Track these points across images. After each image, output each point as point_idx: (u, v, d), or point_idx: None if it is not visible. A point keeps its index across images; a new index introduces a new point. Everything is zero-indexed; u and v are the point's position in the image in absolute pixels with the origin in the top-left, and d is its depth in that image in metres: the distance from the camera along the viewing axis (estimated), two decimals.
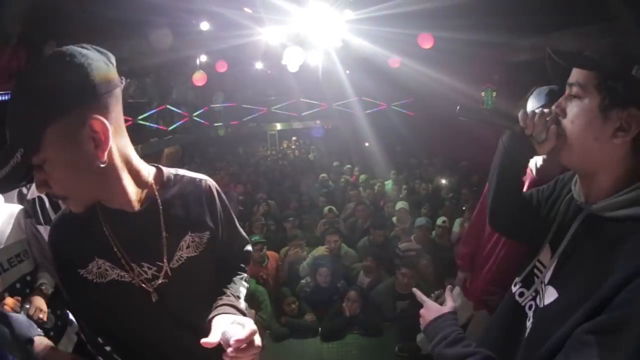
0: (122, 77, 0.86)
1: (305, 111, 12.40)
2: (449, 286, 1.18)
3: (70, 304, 1.14)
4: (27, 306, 1.58)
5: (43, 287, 1.70)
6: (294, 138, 13.69)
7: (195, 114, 10.44)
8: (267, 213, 5.34)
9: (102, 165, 0.80)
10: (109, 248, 0.92)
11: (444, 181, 6.27)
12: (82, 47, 0.81)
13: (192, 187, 1.05)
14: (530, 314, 0.93)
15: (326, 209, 4.96)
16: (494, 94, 7.71)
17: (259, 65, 10.61)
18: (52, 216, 2.02)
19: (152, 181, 0.97)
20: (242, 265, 1.22)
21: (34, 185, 1.32)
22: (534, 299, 0.94)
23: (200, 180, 1.08)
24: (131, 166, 0.90)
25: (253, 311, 3.19)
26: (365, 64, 8.08)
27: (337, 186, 6.85)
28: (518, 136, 0.93)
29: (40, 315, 1.58)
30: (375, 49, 6.68)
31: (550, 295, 0.86)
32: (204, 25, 6.71)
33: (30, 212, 1.95)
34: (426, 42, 6.05)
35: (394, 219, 4.74)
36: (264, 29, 6.66)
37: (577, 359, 0.66)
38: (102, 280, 0.92)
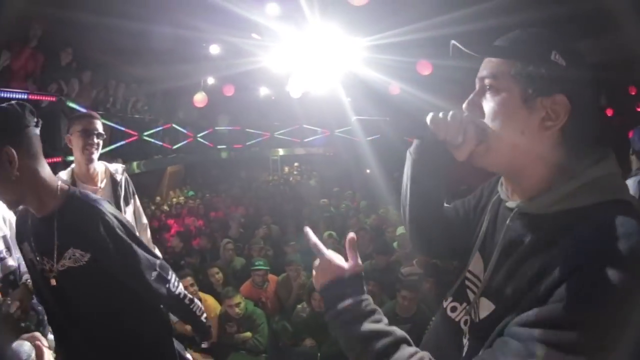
0: (37, 120, 1.22)
1: (307, 137, 12.56)
2: (349, 237, 0.86)
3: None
4: (9, 302, 1.55)
5: (28, 282, 1.68)
6: (296, 164, 13.81)
7: (199, 135, 10.57)
8: (268, 236, 5.32)
9: (14, 177, 1.11)
10: (29, 237, 1.28)
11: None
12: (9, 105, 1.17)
13: (87, 209, 1.26)
14: (466, 329, 0.83)
15: (326, 234, 4.92)
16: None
17: (264, 91, 10.84)
18: None
19: (59, 196, 1.23)
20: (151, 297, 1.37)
21: (59, 175, 1.84)
22: (468, 313, 0.84)
23: (93, 207, 1.27)
24: (39, 181, 1.19)
25: (249, 334, 3.15)
26: (367, 90, 8.26)
27: (338, 212, 6.85)
28: (429, 143, 0.86)
29: (18, 312, 1.56)
30: (377, 76, 6.85)
31: (485, 308, 0.76)
32: (214, 49, 6.91)
33: None
34: (425, 69, 6.25)
35: (395, 243, 4.70)
36: (269, 55, 6.86)
37: (500, 352, 0.60)
38: (27, 256, 1.31)
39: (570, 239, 0.61)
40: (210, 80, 8.65)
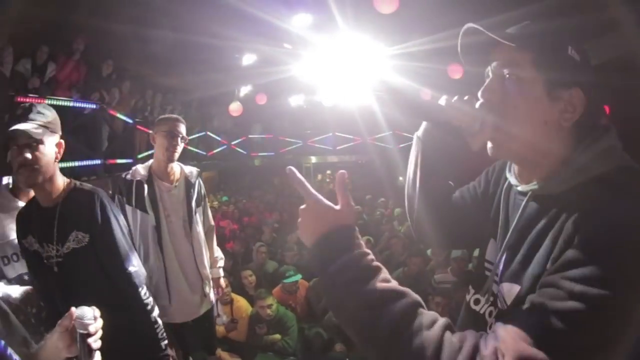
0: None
1: (340, 145, 12.58)
2: (339, 173, 0.75)
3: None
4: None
5: None
6: (328, 172, 13.84)
7: (234, 142, 10.85)
8: (300, 242, 5.33)
9: (55, 163, 1.42)
10: (33, 230, 1.43)
11: None
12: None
13: (86, 194, 1.48)
14: (492, 320, 0.81)
15: (364, 239, 4.90)
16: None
17: (295, 99, 11.02)
18: (148, 203, 2.08)
19: (65, 188, 1.44)
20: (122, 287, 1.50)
21: (137, 168, 2.15)
22: (492, 303, 0.83)
23: (92, 192, 1.49)
24: (57, 172, 1.43)
25: (279, 336, 3.17)
26: (399, 98, 8.20)
27: (371, 219, 6.80)
28: (440, 128, 0.84)
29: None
30: (408, 83, 6.80)
31: (509, 292, 0.75)
32: (247, 59, 7.12)
33: (125, 191, 2.07)
34: (456, 73, 6.11)
35: (429, 251, 4.59)
36: (301, 64, 6.98)
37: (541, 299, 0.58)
38: (31, 248, 1.43)
39: (582, 211, 0.62)
40: (244, 90, 8.90)
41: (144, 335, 1.54)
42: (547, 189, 0.72)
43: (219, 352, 2.84)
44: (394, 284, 0.64)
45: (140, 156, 6.35)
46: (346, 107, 8.93)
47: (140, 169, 2.14)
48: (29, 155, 1.29)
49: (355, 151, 12.75)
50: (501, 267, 0.79)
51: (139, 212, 2.07)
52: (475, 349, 0.56)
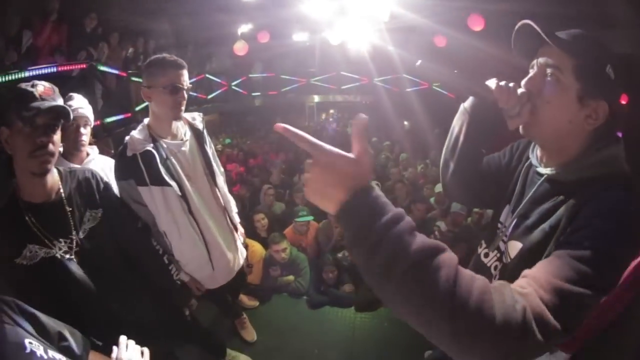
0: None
1: (345, 85, 12.22)
2: (361, 117, 0.68)
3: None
4: None
5: None
6: (331, 111, 13.63)
7: (234, 83, 10.54)
8: None
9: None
10: (34, 233, 1.25)
11: None
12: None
13: (82, 176, 1.45)
14: (497, 273, 1.02)
15: (373, 184, 4.93)
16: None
17: (300, 37, 10.49)
18: (164, 173, 1.68)
19: (57, 179, 1.34)
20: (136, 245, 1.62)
21: (133, 136, 1.71)
22: (499, 259, 1.03)
23: (84, 170, 1.49)
24: None
25: (292, 277, 3.36)
26: (411, 40, 7.77)
27: (377, 162, 6.81)
28: (487, 105, 0.96)
29: None
30: (423, 23, 6.39)
31: (514, 249, 0.95)
32: None
33: (131, 172, 1.66)
34: (476, 24, 5.72)
35: (432, 199, 4.71)
36: (307, 0, 6.54)
37: (559, 264, 0.73)
38: (33, 262, 1.24)
39: (586, 195, 0.81)
40: (244, 28, 8.44)
41: (163, 278, 1.74)
42: (560, 176, 0.90)
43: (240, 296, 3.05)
44: (432, 239, 0.64)
45: (138, 108, 6.16)
46: (354, 45, 8.54)
47: (137, 136, 1.72)
48: (56, 138, 1.23)
49: (360, 91, 12.42)
50: (510, 229, 0.98)
51: (157, 188, 1.69)
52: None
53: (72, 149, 1.87)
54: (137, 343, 1.11)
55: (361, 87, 12.06)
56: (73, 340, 0.98)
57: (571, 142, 0.88)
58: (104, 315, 1.39)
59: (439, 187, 4.77)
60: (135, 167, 1.65)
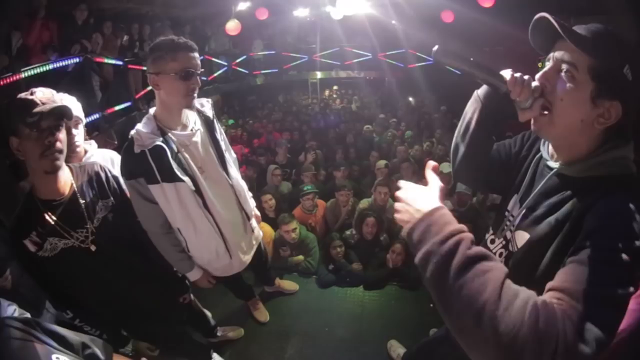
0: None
1: (348, 60, 12.01)
2: (432, 165, 0.93)
3: (36, 283, 1.46)
4: None
5: None
6: (335, 87, 13.43)
7: (234, 62, 10.35)
8: (315, 162, 5.35)
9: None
10: (53, 227, 1.36)
11: None
12: None
13: (92, 170, 1.54)
14: (502, 260, 1.05)
15: (383, 163, 4.88)
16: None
17: (301, 12, 10.23)
18: (176, 168, 1.59)
19: (69, 175, 1.44)
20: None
21: (139, 130, 1.61)
22: (505, 246, 1.06)
23: (93, 164, 1.57)
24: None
25: (302, 257, 3.40)
26: (417, 14, 7.54)
27: (383, 139, 6.75)
28: (500, 95, 0.96)
29: None
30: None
31: (521, 238, 0.98)
32: None
33: (141, 170, 1.56)
34: (486, 1, 5.49)
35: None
36: None
37: (581, 273, 0.71)
38: (54, 253, 1.36)
39: (594, 193, 0.82)
40: (242, 5, 8.21)
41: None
42: (569, 171, 0.91)
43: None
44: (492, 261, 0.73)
45: (138, 96, 6.10)
46: (357, 20, 8.32)
47: (144, 129, 1.58)
48: (62, 137, 1.33)
49: (364, 67, 12.21)
50: (518, 219, 1.01)
51: (170, 185, 1.59)
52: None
53: (68, 151, 1.82)
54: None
55: (365, 63, 11.85)
56: (95, 347, 1.04)
57: (581, 139, 0.88)
58: (117, 298, 1.53)
59: (444, 167, 4.75)
60: (145, 165, 1.53)
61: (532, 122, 0.93)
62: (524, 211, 0.99)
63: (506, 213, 1.08)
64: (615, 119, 0.82)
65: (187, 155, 1.65)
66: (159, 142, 1.55)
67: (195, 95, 1.60)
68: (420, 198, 0.82)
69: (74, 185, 1.45)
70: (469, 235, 0.75)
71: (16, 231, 1.33)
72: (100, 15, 5.92)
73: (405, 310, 2.99)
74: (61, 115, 1.31)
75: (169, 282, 1.79)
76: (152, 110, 1.66)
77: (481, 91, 1.06)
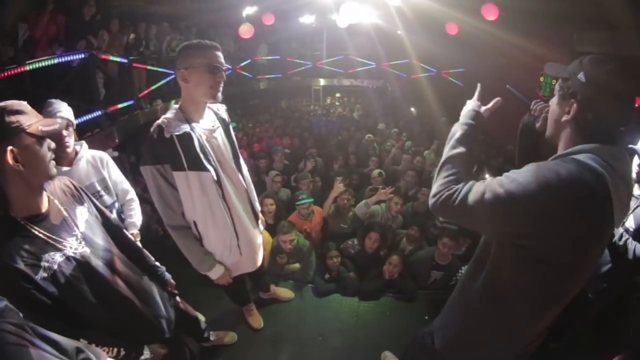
0: None
1: (352, 68, 12.06)
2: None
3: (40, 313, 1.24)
4: None
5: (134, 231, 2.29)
6: (337, 95, 13.48)
7: (239, 66, 10.40)
8: (315, 169, 5.32)
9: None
10: (44, 240, 1.24)
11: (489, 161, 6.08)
12: None
13: (62, 184, 1.45)
14: None
15: (377, 172, 4.91)
16: (554, 81, 7.08)
17: (306, 19, 10.29)
18: (202, 157, 1.72)
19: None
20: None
21: (168, 117, 1.71)
22: None
23: (60, 178, 1.47)
24: None
25: (298, 265, 3.38)
26: (422, 26, 7.58)
27: (382, 149, 6.75)
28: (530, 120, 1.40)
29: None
30: (435, 9, 6.19)
31: None
32: None
33: (168, 155, 1.67)
34: (490, 14, 5.45)
35: None
36: None
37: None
38: (54, 269, 1.24)
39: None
40: (249, 10, 8.26)
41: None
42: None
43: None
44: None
45: (141, 95, 6.11)
46: (362, 29, 8.38)
47: (172, 118, 1.72)
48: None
49: (367, 75, 12.27)
50: None
51: (194, 173, 1.71)
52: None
53: (59, 152, 1.93)
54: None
55: (369, 72, 11.90)
56: (89, 351, 1.03)
57: (560, 138, 1.15)
58: (111, 297, 1.46)
59: None
60: (173, 151, 1.65)
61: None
62: None
63: None
64: (573, 114, 1.07)
65: (210, 148, 1.78)
66: (187, 130, 1.69)
67: (221, 88, 1.74)
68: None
69: (51, 197, 1.36)
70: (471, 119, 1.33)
71: (7, 259, 1.15)
72: (107, 12, 5.92)
73: (400, 322, 2.98)
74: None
75: (152, 274, 1.75)
76: (176, 105, 1.80)
77: (526, 114, 1.46)
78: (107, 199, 2.19)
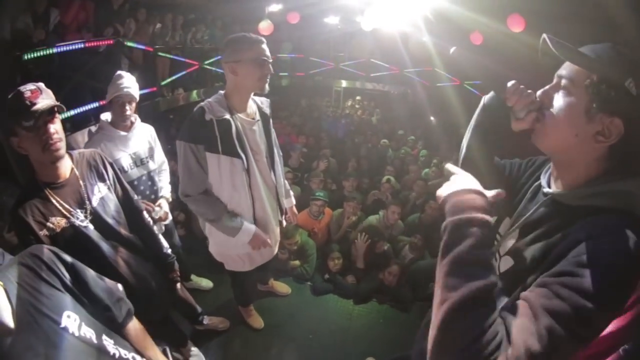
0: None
1: (374, 72, 12.00)
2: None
3: None
4: (158, 209, 2.36)
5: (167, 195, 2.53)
6: (358, 97, 13.44)
7: None
8: (327, 170, 5.33)
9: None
10: (55, 206, 1.44)
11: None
12: None
13: (90, 156, 1.62)
14: None
15: (385, 179, 4.91)
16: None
17: (331, 20, 10.29)
18: (237, 144, 1.81)
19: (70, 161, 1.53)
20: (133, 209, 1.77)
21: (211, 102, 1.82)
22: None
23: (93, 151, 1.66)
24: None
25: (298, 262, 3.42)
26: (447, 34, 7.47)
27: (395, 155, 6.71)
28: (499, 101, 1.00)
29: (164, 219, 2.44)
30: (461, 20, 6.08)
31: (505, 263, 0.95)
32: None
33: (205, 136, 1.77)
34: (516, 25, 5.25)
35: None
36: None
37: (539, 298, 0.70)
38: (55, 232, 1.41)
39: (583, 224, 0.75)
40: (274, 7, 8.32)
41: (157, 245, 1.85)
42: (564, 198, 0.86)
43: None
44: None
45: (163, 83, 6.22)
46: (387, 33, 8.32)
47: (216, 103, 1.81)
48: (57, 127, 1.41)
49: (389, 81, 12.17)
50: (506, 244, 0.98)
51: (227, 158, 1.81)
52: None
53: (120, 120, 2.25)
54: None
55: (391, 77, 11.81)
56: (115, 309, 1.11)
57: (580, 160, 0.83)
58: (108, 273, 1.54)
59: None
60: (211, 133, 1.75)
61: (532, 136, 0.92)
62: (511, 236, 0.97)
63: (497, 236, 1.06)
64: (615, 138, 0.76)
65: (246, 138, 1.86)
66: (227, 117, 1.78)
67: (268, 80, 1.81)
68: (465, 180, 0.86)
69: (75, 169, 1.55)
70: (482, 226, 0.75)
71: (21, 211, 1.39)
72: (135, 1, 6.07)
73: (391, 331, 2.97)
74: (53, 110, 1.37)
75: (160, 260, 1.84)
76: (220, 94, 1.87)
77: (487, 96, 1.09)
78: (152, 165, 2.42)
